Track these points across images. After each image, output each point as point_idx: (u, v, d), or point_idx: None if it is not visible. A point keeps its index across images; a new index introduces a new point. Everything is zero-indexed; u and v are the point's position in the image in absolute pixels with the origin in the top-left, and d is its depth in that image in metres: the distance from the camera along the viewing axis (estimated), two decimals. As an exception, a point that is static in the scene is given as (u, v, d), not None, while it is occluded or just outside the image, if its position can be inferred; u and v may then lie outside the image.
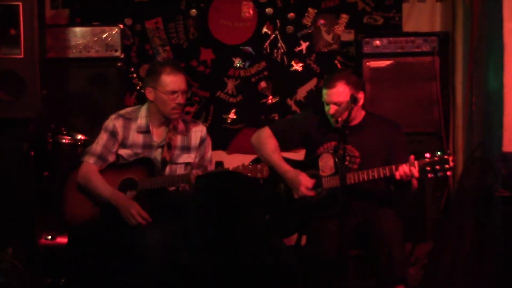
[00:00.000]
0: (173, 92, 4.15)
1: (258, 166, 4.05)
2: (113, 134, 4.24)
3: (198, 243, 2.32)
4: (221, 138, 5.83)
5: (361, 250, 4.34)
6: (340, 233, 3.81)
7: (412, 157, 4.06)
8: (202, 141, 4.33)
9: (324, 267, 4.05)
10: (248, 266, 2.30)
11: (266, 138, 4.45)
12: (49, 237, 4.72)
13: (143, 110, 4.29)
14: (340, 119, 4.23)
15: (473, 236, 4.50)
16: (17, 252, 4.44)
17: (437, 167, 4.02)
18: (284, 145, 4.46)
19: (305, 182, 4.27)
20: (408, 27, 5.74)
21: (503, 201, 4.29)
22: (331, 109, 4.26)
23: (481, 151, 4.91)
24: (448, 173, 4.04)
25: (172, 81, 4.16)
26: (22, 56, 4.61)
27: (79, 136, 5.00)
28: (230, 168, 4.06)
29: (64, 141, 4.97)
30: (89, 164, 4.23)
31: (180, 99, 4.17)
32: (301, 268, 4.38)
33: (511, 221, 4.28)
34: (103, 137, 4.25)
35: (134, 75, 5.80)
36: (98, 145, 4.23)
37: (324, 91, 4.31)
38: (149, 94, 4.22)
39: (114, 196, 4.15)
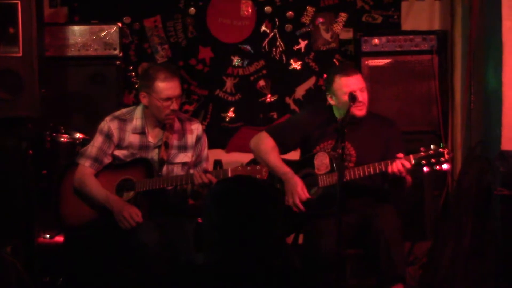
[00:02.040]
0: (167, 99, 4.12)
1: (257, 167, 4.04)
2: (108, 136, 4.22)
3: (212, 244, 2.32)
4: (220, 136, 5.83)
5: (360, 249, 4.34)
6: (338, 232, 3.81)
7: (401, 154, 4.06)
8: (198, 139, 4.32)
9: (322, 266, 4.05)
10: (261, 266, 2.29)
11: (263, 141, 4.43)
12: (48, 235, 4.72)
13: (138, 111, 4.27)
14: (363, 112, 4.23)
15: (472, 234, 4.50)
16: (16, 251, 4.44)
17: (433, 160, 4.03)
18: (283, 147, 4.45)
19: (300, 193, 4.25)
20: (407, 25, 5.73)
21: (502, 200, 4.29)
22: (361, 96, 4.24)
23: (480, 149, 4.91)
24: (444, 165, 4.05)
25: (166, 87, 4.11)
26: (20, 54, 4.61)
27: (78, 135, 4.99)
28: (229, 169, 4.06)
29: (62, 139, 4.97)
30: (85, 167, 4.22)
31: (174, 105, 4.14)
32: (298, 267, 4.39)
33: (510, 220, 4.28)
34: (98, 140, 4.24)
35: (133, 73, 5.78)
36: (94, 148, 4.22)
37: (346, 80, 4.27)
38: (143, 99, 4.19)
39: (107, 199, 4.15)
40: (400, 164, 4.03)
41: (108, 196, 4.17)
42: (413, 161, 4.05)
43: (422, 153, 4.06)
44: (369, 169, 4.13)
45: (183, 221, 4.23)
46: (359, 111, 4.27)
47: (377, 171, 4.11)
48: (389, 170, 4.05)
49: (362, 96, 4.25)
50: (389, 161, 4.08)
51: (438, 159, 4.03)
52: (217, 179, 4.03)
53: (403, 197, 4.60)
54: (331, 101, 4.34)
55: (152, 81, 4.12)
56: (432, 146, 4.07)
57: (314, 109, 4.47)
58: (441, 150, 4.05)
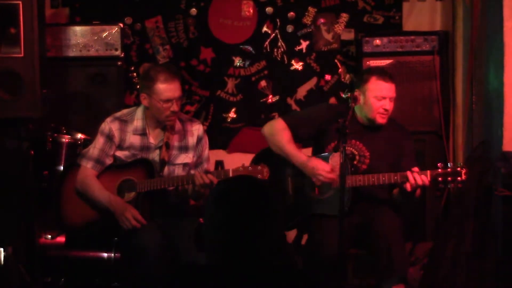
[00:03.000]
0: (168, 100, 4.11)
1: (259, 167, 4.03)
2: (109, 137, 4.22)
3: (214, 244, 2.32)
4: (221, 137, 5.83)
5: (361, 249, 4.33)
6: (340, 231, 3.80)
7: (416, 168, 4.04)
8: (199, 140, 4.32)
9: (323, 265, 4.04)
10: (262, 266, 2.30)
11: (280, 129, 4.39)
12: (49, 236, 4.72)
13: (139, 112, 4.26)
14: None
15: (473, 235, 4.49)
16: (17, 251, 4.44)
17: (449, 178, 4.00)
18: (297, 138, 4.43)
19: (322, 167, 4.24)
20: (408, 26, 5.74)
21: (503, 200, 4.28)
22: (388, 105, 4.24)
23: (481, 150, 4.90)
24: (460, 185, 4.02)
25: (166, 89, 4.09)
26: (22, 55, 4.61)
27: (79, 135, 5.00)
28: (231, 169, 4.05)
29: (64, 140, 4.97)
30: (87, 168, 4.22)
31: (175, 106, 4.13)
32: (301, 267, 4.39)
33: (511, 220, 4.27)
34: (99, 141, 4.23)
35: (134, 74, 5.79)
36: (95, 149, 4.22)
37: (379, 84, 4.26)
38: (144, 100, 4.19)
39: (110, 201, 4.15)
40: (419, 178, 3.99)
41: (110, 197, 4.17)
42: (429, 177, 4.02)
43: (440, 170, 4.02)
44: (384, 178, 4.10)
45: (184, 221, 4.23)
46: (382, 119, 4.27)
47: (392, 181, 4.09)
48: (407, 185, 4.02)
49: (390, 106, 4.26)
50: (406, 174, 4.03)
51: (454, 177, 4.00)
52: (218, 179, 4.03)
53: (410, 205, 4.57)
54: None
55: (152, 83, 4.11)
56: (449, 164, 4.05)
57: (331, 105, 4.46)
58: (458, 169, 4.01)
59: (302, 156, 4.30)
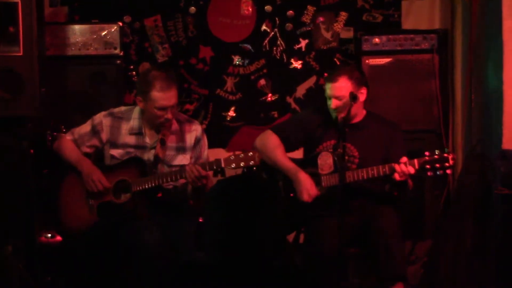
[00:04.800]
0: (162, 108, 4.12)
1: (250, 153, 4.02)
2: (95, 129, 4.24)
3: (213, 243, 2.32)
4: (220, 135, 5.83)
5: (360, 248, 4.34)
6: (339, 231, 3.81)
7: (404, 158, 4.06)
8: (197, 141, 4.30)
9: (323, 265, 4.05)
10: (262, 266, 2.30)
11: (269, 139, 4.44)
12: (49, 235, 4.72)
13: (136, 111, 4.26)
14: (340, 115, 4.24)
15: (473, 234, 4.50)
16: (16, 250, 4.44)
17: (437, 165, 4.03)
18: (288, 145, 4.45)
19: (309, 188, 4.25)
20: (407, 24, 5.73)
21: (503, 199, 4.29)
22: (333, 103, 4.26)
23: (480, 148, 4.91)
24: (448, 171, 4.06)
25: (162, 97, 4.09)
26: (21, 53, 4.59)
27: (79, 134, 4.99)
28: (222, 159, 4.06)
29: (63, 138, 4.96)
30: (65, 137, 4.32)
31: (169, 114, 4.13)
32: (301, 266, 4.39)
33: (510, 219, 4.28)
34: (86, 128, 4.29)
35: (133, 72, 5.78)
36: (80, 131, 4.30)
37: (327, 85, 4.32)
38: (139, 103, 4.20)
39: (79, 161, 4.21)
40: (404, 168, 4.02)
41: (80, 158, 4.23)
42: (417, 166, 4.04)
43: (427, 158, 4.05)
44: (372, 172, 4.13)
45: (184, 221, 4.22)
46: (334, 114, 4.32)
47: (381, 174, 4.11)
48: (395, 174, 4.05)
49: (334, 103, 4.27)
50: (393, 165, 4.06)
51: (442, 164, 4.03)
52: (211, 170, 4.04)
53: (404, 198, 4.58)
54: None
55: (148, 88, 4.10)
56: (436, 151, 4.07)
57: (317, 108, 4.48)
58: (445, 155, 4.04)
59: (291, 165, 4.34)
